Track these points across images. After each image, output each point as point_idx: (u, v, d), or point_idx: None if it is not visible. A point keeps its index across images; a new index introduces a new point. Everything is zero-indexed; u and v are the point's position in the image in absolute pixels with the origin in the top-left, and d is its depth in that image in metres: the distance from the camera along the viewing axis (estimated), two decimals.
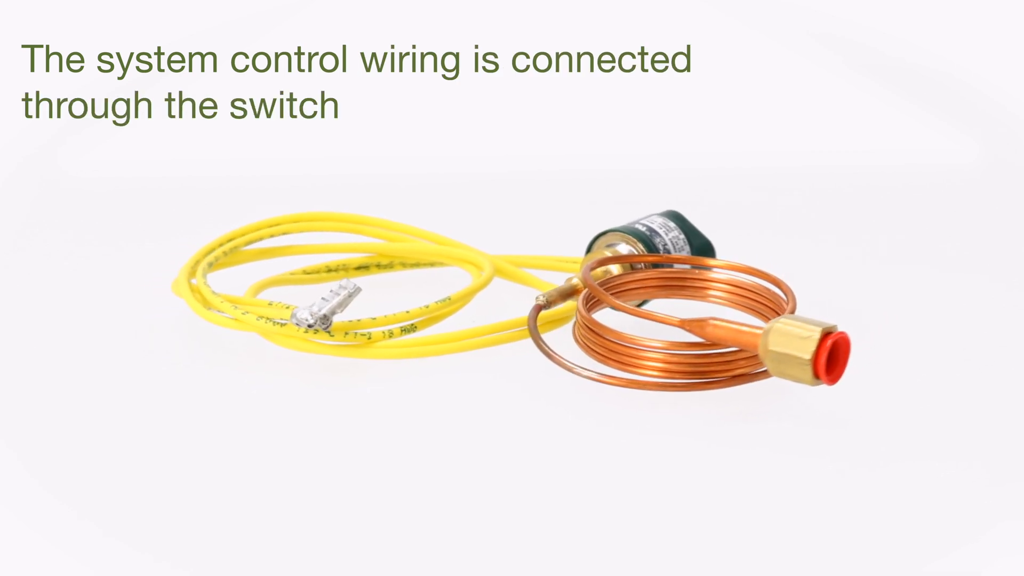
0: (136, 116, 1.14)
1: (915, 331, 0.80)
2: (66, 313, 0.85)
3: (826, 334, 0.69)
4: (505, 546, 0.62)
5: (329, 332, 0.75)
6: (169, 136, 1.14)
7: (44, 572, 0.62)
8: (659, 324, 0.73)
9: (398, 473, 0.68)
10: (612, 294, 0.77)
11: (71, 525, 0.64)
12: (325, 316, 0.74)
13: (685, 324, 0.72)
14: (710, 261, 0.80)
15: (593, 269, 0.78)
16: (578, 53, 1.14)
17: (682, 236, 0.81)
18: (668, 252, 0.80)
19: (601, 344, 0.73)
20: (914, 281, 0.87)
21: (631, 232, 0.80)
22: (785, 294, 0.75)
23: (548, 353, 0.74)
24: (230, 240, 0.86)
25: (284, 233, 0.88)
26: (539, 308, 0.77)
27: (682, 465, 0.68)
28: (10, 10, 1.15)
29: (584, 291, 0.76)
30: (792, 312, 0.73)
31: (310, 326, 0.75)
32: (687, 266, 0.80)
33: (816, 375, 0.68)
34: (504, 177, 1.09)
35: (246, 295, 0.82)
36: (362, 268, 0.88)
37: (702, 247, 0.82)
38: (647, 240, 0.80)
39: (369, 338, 0.76)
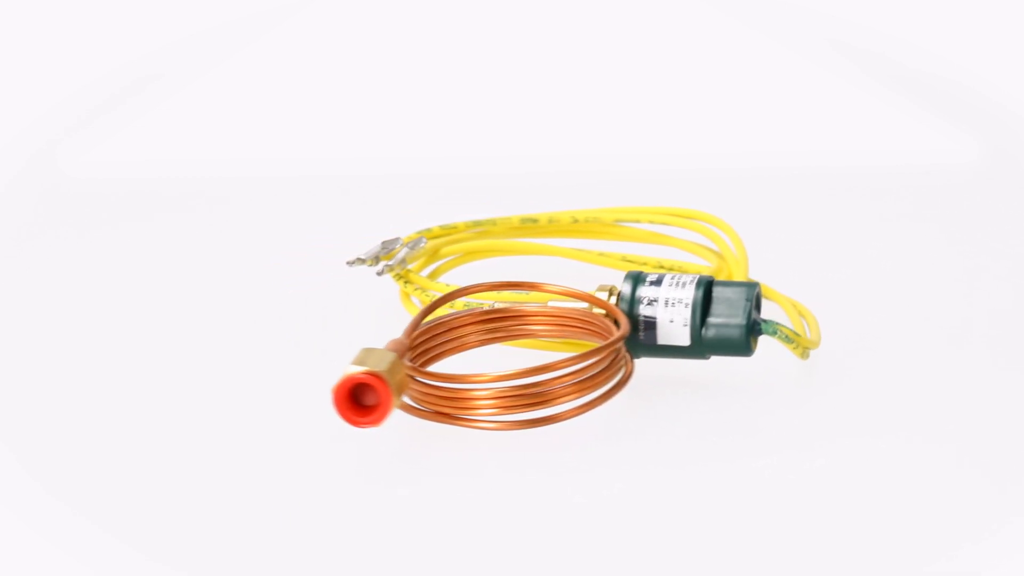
0: (138, 116, 1.14)
1: (915, 331, 0.80)
2: (67, 313, 0.85)
3: (366, 374, 0.64)
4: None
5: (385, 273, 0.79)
6: (169, 136, 1.14)
7: (44, 572, 0.62)
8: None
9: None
10: (443, 340, 0.72)
11: (70, 525, 0.64)
12: (360, 259, 0.79)
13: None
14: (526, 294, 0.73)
15: (425, 317, 0.72)
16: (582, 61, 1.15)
17: (685, 300, 0.71)
18: (652, 311, 0.71)
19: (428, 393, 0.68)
20: (913, 281, 0.87)
21: (628, 276, 0.73)
22: (618, 320, 0.70)
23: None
24: (620, 213, 0.85)
25: (664, 223, 0.85)
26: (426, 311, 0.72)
27: (681, 464, 0.68)
28: (11, 10, 1.15)
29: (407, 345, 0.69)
30: (620, 337, 0.68)
31: (348, 263, 0.79)
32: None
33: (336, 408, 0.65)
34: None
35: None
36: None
37: (724, 333, 0.71)
38: (627, 291, 0.72)
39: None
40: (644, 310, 0.72)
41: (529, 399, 0.67)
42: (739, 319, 0.71)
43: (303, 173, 1.11)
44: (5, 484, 0.67)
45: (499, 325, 0.73)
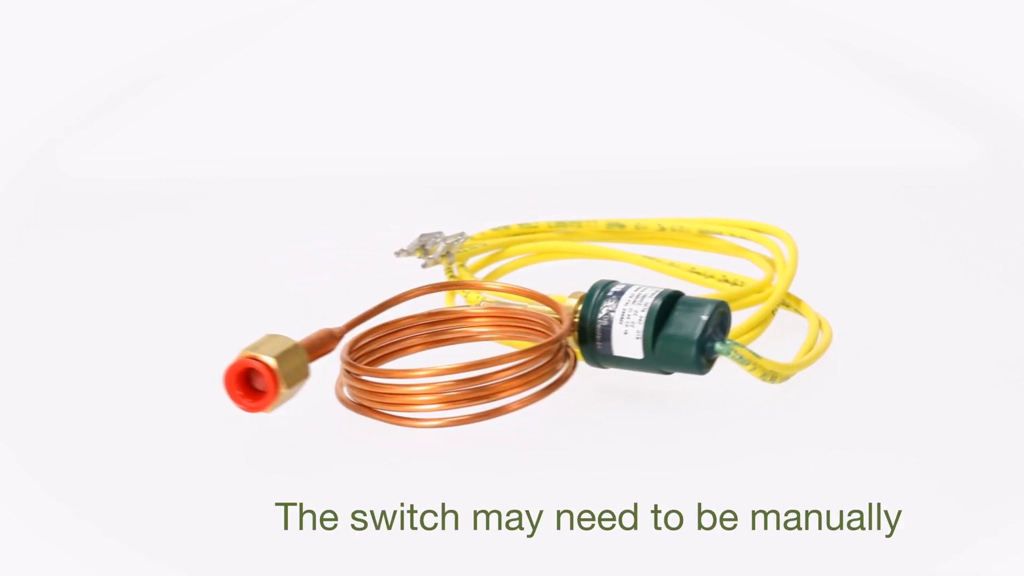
0: (138, 116, 1.14)
1: (915, 332, 0.80)
2: (67, 313, 0.85)
3: (254, 359, 0.65)
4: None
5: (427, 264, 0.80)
6: (169, 136, 1.14)
7: (44, 572, 0.62)
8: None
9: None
10: (388, 342, 0.73)
11: (70, 525, 0.64)
12: (405, 250, 0.80)
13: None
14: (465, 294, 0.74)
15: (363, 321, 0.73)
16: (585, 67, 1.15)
17: (640, 313, 0.70)
18: (608, 320, 0.71)
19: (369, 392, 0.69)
20: (913, 281, 0.87)
21: (595, 285, 0.72)
22: (561, 315, 0.71)
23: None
24: (706, 225, 0.85)
25: (744, 237, 0.84)
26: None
27: (683, 457, 0.68)
28: (11, 10, 1.15)
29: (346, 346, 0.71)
30: (559, 337, 0.69)
31: (396, 253, 0.80)
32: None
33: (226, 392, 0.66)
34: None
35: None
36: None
37: (674, 348, 0.70)
38: (590, 297, 0.72)
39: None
40: (601, 320, 0.71)
41: (469, 394, 0.67)
42: (689, 335, 0.70)
43: (303, 173, 1.11)
44: (5, 484, 0.67)
45: (442, 328, 0.74)
